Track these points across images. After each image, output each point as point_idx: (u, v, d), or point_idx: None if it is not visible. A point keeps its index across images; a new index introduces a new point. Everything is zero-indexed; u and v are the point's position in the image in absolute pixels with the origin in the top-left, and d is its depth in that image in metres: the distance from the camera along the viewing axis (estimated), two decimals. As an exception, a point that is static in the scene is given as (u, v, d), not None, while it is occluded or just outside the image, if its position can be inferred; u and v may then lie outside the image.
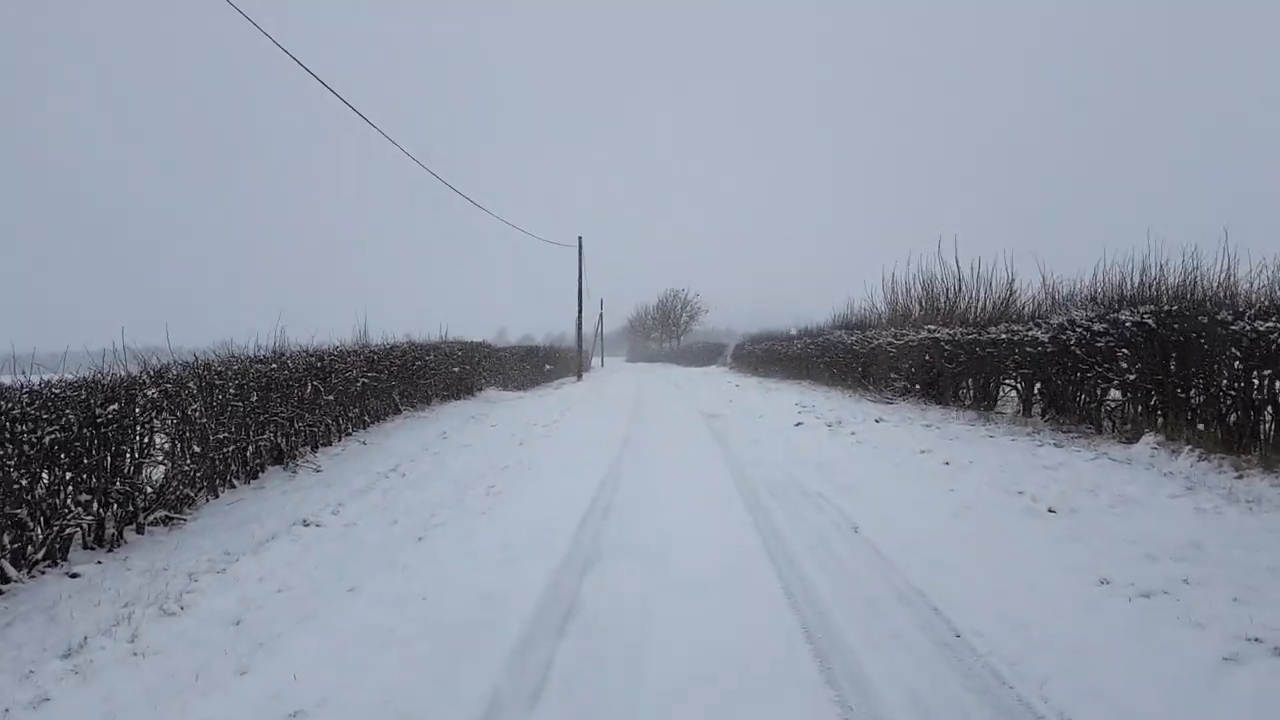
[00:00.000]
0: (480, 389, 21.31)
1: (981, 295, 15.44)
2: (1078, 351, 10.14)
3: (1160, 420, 9.11)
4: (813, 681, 3.56)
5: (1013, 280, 14.78)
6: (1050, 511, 6.19)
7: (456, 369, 18.94)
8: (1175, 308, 8.76)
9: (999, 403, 13.51)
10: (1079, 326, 10.09)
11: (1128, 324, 9.20)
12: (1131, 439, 8.96)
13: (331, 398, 11.29)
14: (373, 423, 13.66)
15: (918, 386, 15.68)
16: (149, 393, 6.96)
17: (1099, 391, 10.44)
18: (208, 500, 7.89)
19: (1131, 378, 9.13)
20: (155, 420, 7.10)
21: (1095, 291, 11.17)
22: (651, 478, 8.65)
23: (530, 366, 29.38)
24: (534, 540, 6.07)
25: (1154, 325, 8.85)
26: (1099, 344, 9.72)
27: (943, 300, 16.63)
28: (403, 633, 4.21)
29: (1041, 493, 6.68)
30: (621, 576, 5.15)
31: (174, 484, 7.15)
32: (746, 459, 9.80)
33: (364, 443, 11.82)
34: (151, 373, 7.31)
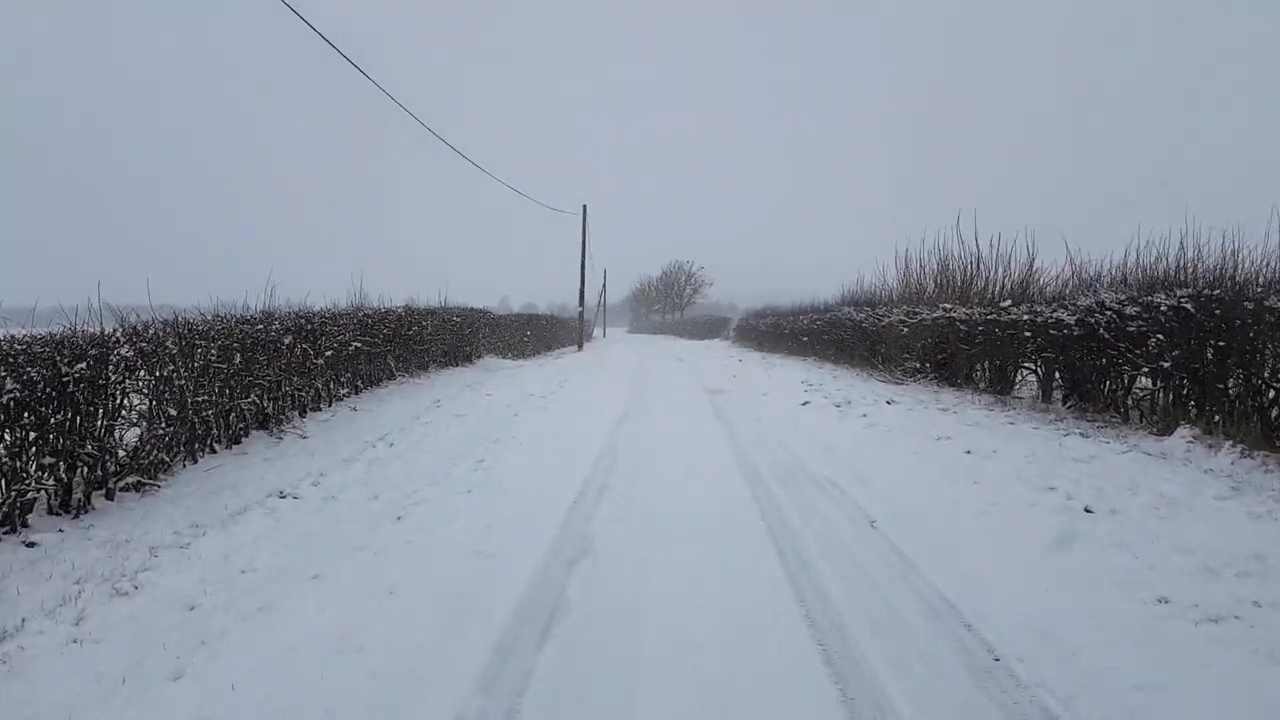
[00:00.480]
0: (479, 356, 20.81)
1: (1000, 274, 14.80)
2: (1106, 336, 9.55)
3: (1194, 412, 8.56)
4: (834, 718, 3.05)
5: (1033, 259, 14.15)
6: (1087, 511, 5.65)
7: (452, 335, 18.39)
8: (1217, 291, 8.17)
9: (1016, 387, 12.96)
10: (1109, 309, 9.50)
11: (1163, 308, 8.61)
12: (1163, 431, 8.42)
13: (321, 361, 10.81)
14: (366, 388, 13.19)
15: (929, 367, 15.12)
16: (122, 351, 6.48)
17: (1126, 379, 9.89)
18: (185, 466, 7.43)
19: (1166, 365, 8.56)
20: (129, 381, 6.63)
21: (1125, 272, 10.55)
22: (650, 457, 8.12)
23: (531, 335, 28.86)
24: (519, 525, 5.57)
25: (1193, 310, 8.26)
26: (1130, 328, 9.13)
27: (959, 278, 15.98)
28: (361, 638, 3.68)
29: (1075, 490, 6.14)
30: (613, 575, 4.63)
31: (148, 448, 6.68)
32: (750, 439, 9.27)
33: (355, 409, 11.35)
34: (126, 330, 6.84)
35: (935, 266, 16.90)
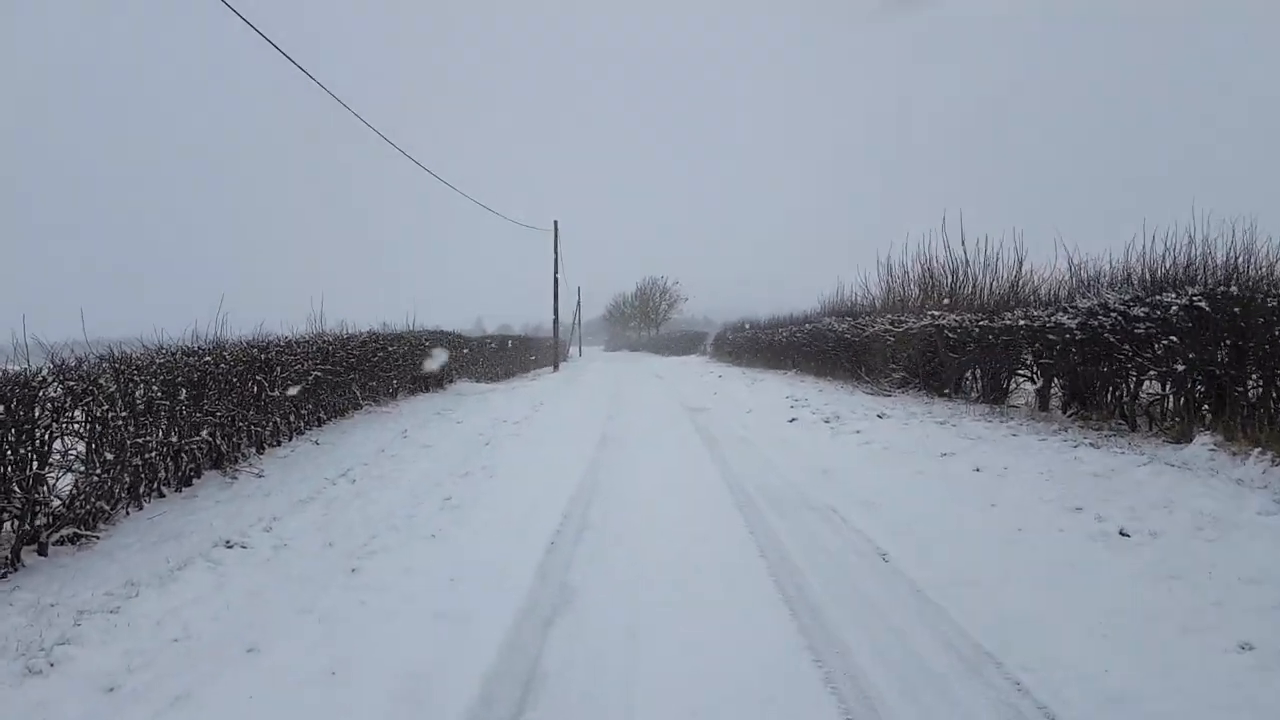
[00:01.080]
0: (450, 381, 20.02)
1: (988, 279, 14.32)
2: (1111, 339, 9.02)
3: (1209, 417, 8.02)
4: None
5: (1021, 261, 13.68)
6: (1123, 535, 5.04)
7: (421, 360, 17.60)
8: (1233, 288, 7.65)
9: (1010, 396, 12.43)
10: (1113, 311, 8.97)
11: (1174, 308, 8.08)
12: (1179, 439, 7.87)
13: (277, 394, 10.03)
14: (329, 419, 12.38)
15: (918, 378, 14.58)
16: (51, 391, 5.75)
17: (1132, 385, 9.36)
18: (128, 513, 6.69)
19: (1180, 369, 8.02)
20: (60, 424, 5.88)
21: (1129, 270, 10.04)
22: (633, 488, 7.44)
23: (505, 357, 28.10)
24: (488, 576, 4.88)
25: (1208, 308, 7.74)
26: (1138, 331, 8.60)
27: (946, 283, 15.48)
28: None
29: (1105, 510, 5.53)
30: (597, 632, 3.95)
31: (84, 497, 5.93)
32: (739, 462, 8.62)
33: (316, 442, 10.56)
34: (55, 368, 6.08)
35: (920, 272, 16.41)
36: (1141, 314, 8.53)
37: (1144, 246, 9.79)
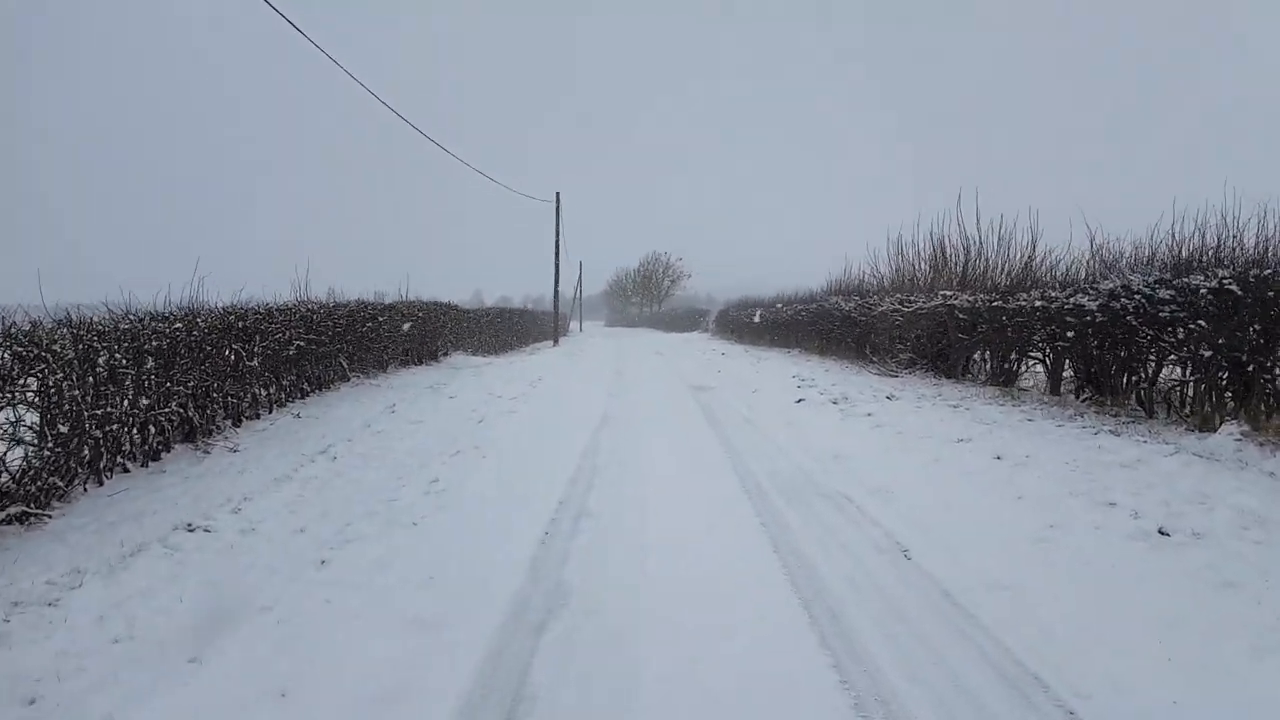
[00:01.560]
0: (445, 354, 19.62)
1: (1001, 259, 13.92)
2: (1134, 322, 8.66)
3: (1231, 404, 7.69)
4: None
5: (1035, 242, 13.27)
6: (1162, 534, 4.71)
7: (415, 331, 17.18)
8: (1267, 271, 7.28)
9: (1020, 378, 12.10)
10: (1137, 293, 8.61)
11: (1203, 290, 7.71)
12: (1201, 427, 7.55)
13: (255, 364, 9.61)
14: (313, 391, 11.96)
15: (926, 359, 14.24)
16: None
17: (1150, 370, 9.02)
18: (86, 490, 6.29)
19: (1206, 354, 7.67)
20: (7, 393, 5.48)
21: (1153, 250, 9.65)
22: (635, 472, 7.09)
23: (502, 330, 27.67)
24: (474, 573, 4.49)
25: (1239, 291, 7.38)
26: (1162, 314, 8.24)
27: (959, 263, 15.07)
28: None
29: (1140, 505, 5.19)
30: (596, 640, 3.60)
31: (35, 472, 5.54)
32: (746, 445, 8.27)
33: (298, 415, 10.15)
34: (1, 333, 5.67)
35: (932, 251, 15.98)
36: (1168, 296, 8.17)
37: (1171, 226, 9.39)
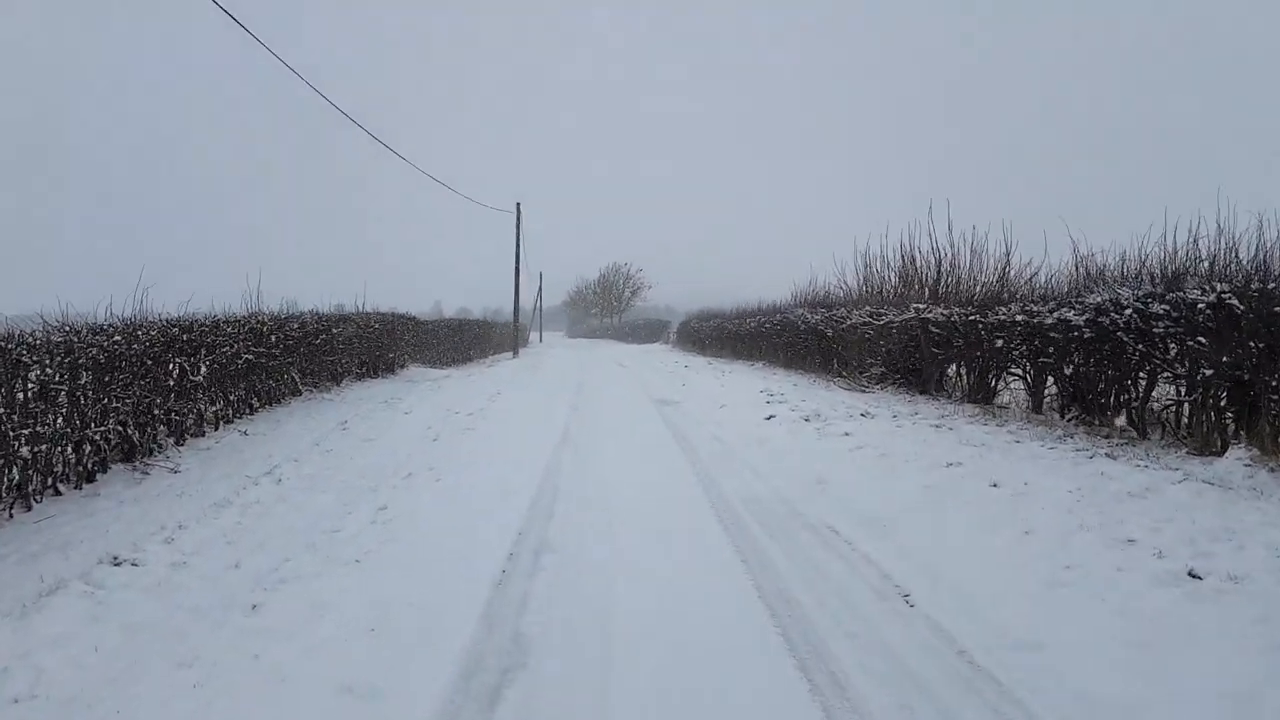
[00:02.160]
0: (402, 366, 18.82)
1: (974, 270, 13.56)
2: (1124, 339, 8.23)
3: (1232, 426, 7.28)
4: None
5: (1010, 252, 12.93)
6: (1193, 577, 4.18)
7: (371, 343, 16.38)
8: (1271, 285, 6.88)
9: (998, 395, 11.67)
10: (1126, 307, 8.18)
11: (1201, 305, 7.30)
12: (1202, 450, 7.12)
13: (201, 378, 8.87)
14: (263, 406, 11.23)
15: (897, 374, 13.79)
16: None
17: (1141, 388, 8.60)
18: (12, 515, 5.72)
19: (1208, 373, 7.24)
20: None
21: (1141, 265, 9.27)
22: (599, 498, 6.43)
23: (462, 341, 26.87)
24: (420, 623, 3.86)
25: (1240, 307, 6.97)
26: (1156, 329, 7.82)
27: (930, 275, 14.69)
28: None
29: (1161, 543, 4.66)
30: (557, 703, 2.96)
31: None
32: (718, 466, 7.67)
33: (245, 433, 9.44)
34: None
35: (901, 262, 15.59)
36: (1161, 311, 7.74)
37: (1163, 237, 9.01)
